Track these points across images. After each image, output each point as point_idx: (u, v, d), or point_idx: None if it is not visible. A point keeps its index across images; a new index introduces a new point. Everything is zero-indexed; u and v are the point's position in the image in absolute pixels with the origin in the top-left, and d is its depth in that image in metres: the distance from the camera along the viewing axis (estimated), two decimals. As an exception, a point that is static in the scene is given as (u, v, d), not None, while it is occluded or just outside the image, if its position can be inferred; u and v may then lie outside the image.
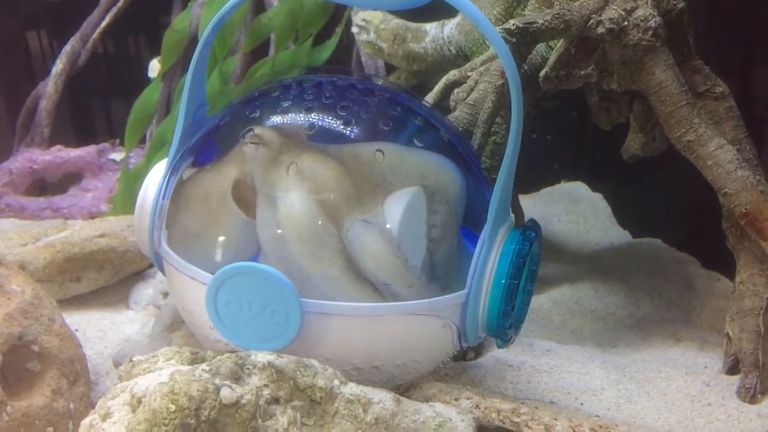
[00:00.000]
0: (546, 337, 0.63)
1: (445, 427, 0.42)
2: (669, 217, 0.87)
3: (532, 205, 0.94)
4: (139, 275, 0.66)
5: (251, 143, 0.48)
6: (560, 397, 0.52)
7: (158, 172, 0.52)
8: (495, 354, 0.57)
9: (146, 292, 0.62)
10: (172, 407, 0.38)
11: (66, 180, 0.85)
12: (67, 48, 0.94)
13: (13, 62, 0.99)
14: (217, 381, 0.39)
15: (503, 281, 0.46)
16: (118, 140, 0.91)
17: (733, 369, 0.55)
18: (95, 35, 0.93)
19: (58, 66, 0.93)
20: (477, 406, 0.45)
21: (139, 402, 0.40)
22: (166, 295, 0.59)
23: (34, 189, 0.84)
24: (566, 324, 0.66)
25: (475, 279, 0.46)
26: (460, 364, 0.56)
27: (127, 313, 0.62)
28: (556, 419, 0.45)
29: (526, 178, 0.96)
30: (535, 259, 0.50)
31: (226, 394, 0.39)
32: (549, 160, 0.99)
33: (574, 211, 0.93)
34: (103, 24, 0.93)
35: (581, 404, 0.52)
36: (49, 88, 0.92)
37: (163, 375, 0.41)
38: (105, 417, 0.41)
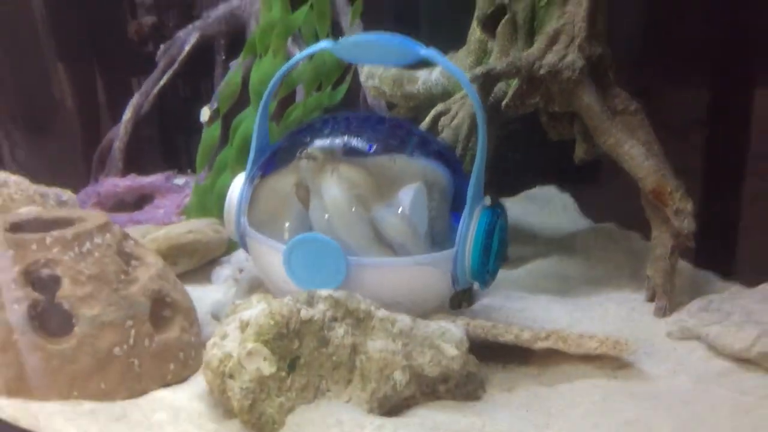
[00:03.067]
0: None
1: (446, 333, 0.63)
2: (620, 205, 1.07)
3: (512, 205, 1.15)
4: (216, 261, 0.88)
5: (305, 158, 0.70)
6: (529, 325, 0.73)
7: (239, 182, 0.74)
8: (483, 302, 0.79)
9: (223, 272, 0.84)
10: (272, 322, 0.59)
11: (141, 200, 1.08)
12: (133, 101, 1.18)
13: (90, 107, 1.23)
14: (298, 306, 0.60)
15: (480, 241, 0.68)
16: (177, 170, 1.14)
17: (652, 298, 0.77)
18: (154, 91, 1.17)
19: (127, 114, 1.17)
20: (468, 324, 0.67)
21: (247, 324, 0.61)
22: (240, 271, 0.81)
23: (116, 207, 1.06)
24: (537, 285, 0.86)
25: (461, 240, 0.67)
26: (458, 311, 0.78)
27: (211, 287, 0.84)
28: (522, 330, 0.67)
29: (508, 185, 1.18)
30: (503, 228, 0.71)
31: (304, 313, 0.60)
32: (525, 170, 1.20)
33: (548, 207, 1.13)
34: (161, 83, 1.17)
35: (544, 327, 0.73)
36: (121, 131, 1.16)
37: (259, 308, 0.62)
38: (223, 337, 0.62)
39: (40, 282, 0.63)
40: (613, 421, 0.59)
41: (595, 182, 1.13)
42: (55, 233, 0.63)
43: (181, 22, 1.23)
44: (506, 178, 1.13)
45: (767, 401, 0.59)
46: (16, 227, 0.66)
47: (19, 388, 0.63)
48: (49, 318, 0.62)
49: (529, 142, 1.03)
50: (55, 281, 0.62)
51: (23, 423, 0.61)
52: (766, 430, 0.56)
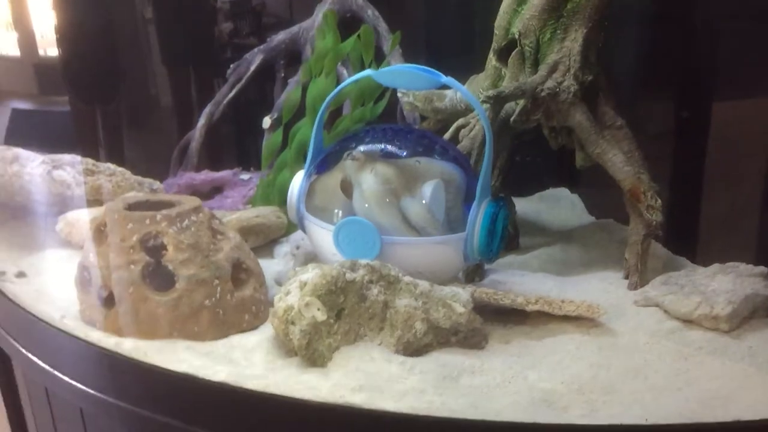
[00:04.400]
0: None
1: (456, 295, 0.81)
2: (621, 205, 1.23)
3: (528, 203, 1.31)
4: (276, 240, 1.07)
5: (350, 160, 0.90)
6: (524, 293, 0.91)
7: (298, 178, 0.94)
8: (491, 277, 0.97)
9: (283, 249, 1.04)
10: (323, 281, 0.78)
11: (213, 191, 1.28)
12: (206, 110, 1.39)
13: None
14: (344, 270, 0.79)
15: (485, 226, 0.86)
16: (242, 167, 1.35)
17: (627, 276, 0.93)
18: (225, 102, 1.39)
19: (201, 121, 1.38)
20: (474, 290, 0.85)
21: (305, 284, 0.79)
22: (297, 248, 1.01)
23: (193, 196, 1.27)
24: (539, 266, 1.03)
25: (470, 225, 0.86)
26: (471, 283, 0.96)
27: (273, 260, 1.03)
28: (517, 296, 0.85)
29: (525, 186, 1.35)
30: (505, 216, 0.89)
31: (348, 276, 0.79)
32: (540, 174, 1.37)
33: (558, 206, 1.29)
34: (230, 95, 1.38)
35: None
36: (196, 134, 1.37)
37: (314, 272, 0.82)
38: (287, 293, 0.80)
39: (151, 249, 0.82)
40: (582, 364, 0.77)
41: (600, 185, 1.29)
42: (164, 212, 0.84)
43: (253, 29, 1.44)
44: (523, 181, 1.31)
45: (701, 351, 0.77)
46: (131, 207, 0.87)
47: (132, 329, 0.83)
48: (157, 276, 0.82)
49: (543, 150, 1.18)
50: (162, 248, 0.82)
51: (135, 355, 0.81)
52: (696, 371, 0.74)
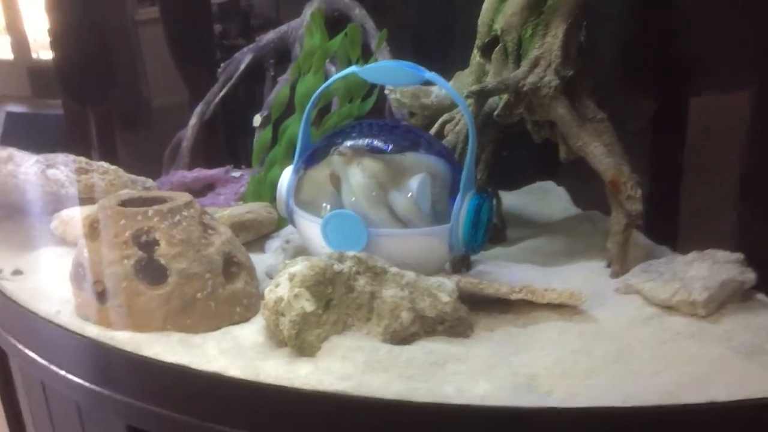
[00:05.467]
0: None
1: (441, 285, 0.83)
2: (603, 197, 1.26)
3: (515, 197, 1.33)
4: (268, 235, 1.09)
5: (337, 155, 0.92)
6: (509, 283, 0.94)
7: (287, 173, 0.96)
8: (478, 268, 0.99)
9: (274, 243, 1.06)
10: (312, 273, 0.80)
11: (205, 189, 1.30)
12: (197, 109, 1.41)
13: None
14: (331, 261, 0.82)
15: (469, 218, 0.89)
16: (233, 165, 1.37)
17: (609, 265, 0.96)
18: (215, 101, 1.41)
19: (193, 120, 1.40)
20: (459, 280, 0.87)
21: (294, 275, 0.81)
22: (287, 242, 1.03)
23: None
24: (525, 258, 1.05)
25: (455, 217, 0.89)
26: (458, 274, 0.98)
27: (265, 255, 1.05)
28: (502, 285, 0.87)
29: (512, 180, 1.37)
30: (489, 208, 0.92)
31: (336, 267, 0.81)
32: (526, 167, 1.39)
33: (545, 199, 1.32)
34: (221, 94, 1.40)
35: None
36: (188, 133, 1.39)
37: (303, 264, 0.84)
38: (277, 285, 0.82)
39: (143, 244, 0.84)
40: (564, 350, 0.79)
41: (586, 177, 1.32)
42: (155, 207, 0.86)
43: (242, 31, 1.46)
44: (510, 174, 1.34)
45: (679, 336, 0.79)
46: (124, 203, 0.89)
47: (127, 323, 0.85)
48: (150, 271, 0.84)
49: (529, 144, 1.20)
50: (155, 243, 0.84)
51: (129, 348, 0.83)
52: (674, 355, 0.76)
